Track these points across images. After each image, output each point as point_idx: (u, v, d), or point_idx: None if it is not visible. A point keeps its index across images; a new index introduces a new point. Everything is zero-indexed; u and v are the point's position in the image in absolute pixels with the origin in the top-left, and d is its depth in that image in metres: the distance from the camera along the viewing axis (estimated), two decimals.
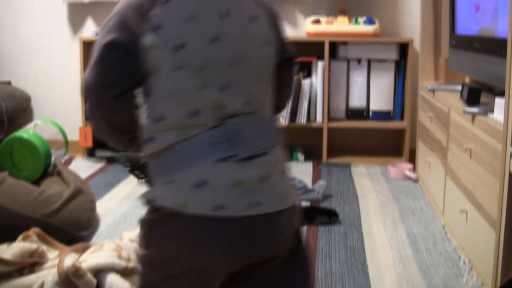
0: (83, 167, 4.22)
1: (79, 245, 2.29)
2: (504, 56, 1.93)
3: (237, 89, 1.30)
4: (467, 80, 3.38)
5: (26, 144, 3.20)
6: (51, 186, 3.03)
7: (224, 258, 1.28)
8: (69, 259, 2.07)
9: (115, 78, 1.31)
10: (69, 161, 4.33)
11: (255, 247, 1.29)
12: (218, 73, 1.29)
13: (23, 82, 4.80)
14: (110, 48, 1.31)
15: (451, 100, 2.91)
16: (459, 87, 2.82)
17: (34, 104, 4.85)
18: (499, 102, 2.20)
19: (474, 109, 2.46)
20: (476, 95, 2.62)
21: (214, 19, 1.29)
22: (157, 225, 1.32)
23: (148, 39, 1.26)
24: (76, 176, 3.24)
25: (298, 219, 1.39)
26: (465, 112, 2.53)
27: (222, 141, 1.27)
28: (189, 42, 1.27)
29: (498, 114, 2.21)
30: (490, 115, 2.32)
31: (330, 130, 4.32)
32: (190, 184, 1.25)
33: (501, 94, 1.96)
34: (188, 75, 1.26)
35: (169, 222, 1.28)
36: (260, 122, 1.34)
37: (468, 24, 3.06)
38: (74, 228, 2.79)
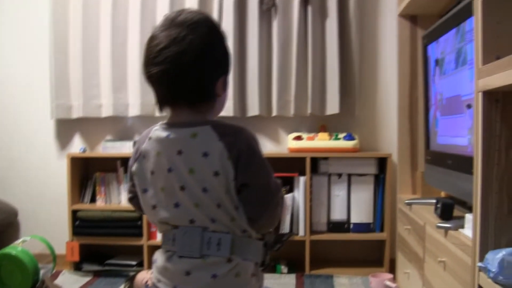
0: (70, 281, 4.25)
1: None
2: (473, 173, 2.04)
3: (183, 209, 1.70)
4: (442, 194, 3.49)
5: (14, 260, 3.22)
6: None
7: None
8: None
9: None
10: (56, 275, 4.33)
11: None
12: (171, 195, 1.70)
13: (11, 196, 4.87)
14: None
15: (426, 214, 3.02)
16: (434, 201, 2.92)
17: (21, 218, 4.90)
18: (469, 217, 2.31)
19: (447, 225, 2.57)
20: (449, 210, 2.73)
21: (170, 155, 1.69)
22: None
23: None
24: None
25: None
26: (438, 227, 2.64)
27: (171, 239, 1.75)
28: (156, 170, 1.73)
29: (468, 229, 2.32)
30: (461, 230, 2.43)
31: (312, 243, 4.40)
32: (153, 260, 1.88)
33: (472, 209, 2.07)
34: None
35: None
36: (198, 235, 1.70)
37: (442, 140, 3.20)
38: None
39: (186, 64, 1.63)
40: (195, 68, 1.65)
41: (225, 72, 1.78)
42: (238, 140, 1.68)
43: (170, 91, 1.68)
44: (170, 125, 1.72)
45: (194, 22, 1.67)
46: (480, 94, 1.92)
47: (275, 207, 1.78)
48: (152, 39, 1.69)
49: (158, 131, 1.73)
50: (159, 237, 4.44)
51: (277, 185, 1.79)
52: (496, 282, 1.76)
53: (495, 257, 1.75)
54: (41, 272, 3.39)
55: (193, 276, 1.69)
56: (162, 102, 1.73)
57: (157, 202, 1.73)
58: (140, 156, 1.75)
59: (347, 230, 4.43)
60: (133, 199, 1.92)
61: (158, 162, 1.71)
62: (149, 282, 3.23)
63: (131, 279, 3.90)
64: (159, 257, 1.81)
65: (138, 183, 1.78)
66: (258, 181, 1.72)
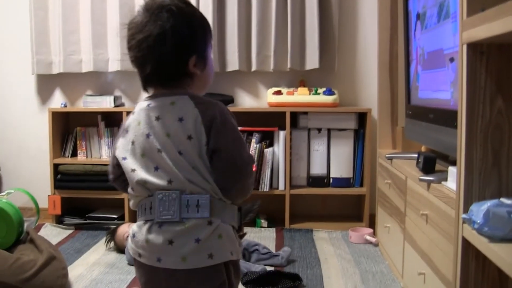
0: (52, 234, 4.29)
1: None
2: (456, 127, 2.04)
3: (162, 171, 1.73)
4: (423, 148, 3.50)
5: None
6: (24, 253, 3.07)
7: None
8: None
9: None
10: (38, 228, 4.34)
11: None
12: (150, 159, 1.75)
13: None
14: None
15: (407, 168, 3.03)
16: (416, 155, 2.93)
17: (3, 172, 4.90)
18: (452, 170, 2.32)
19: (429, 178, 2.59)
20: (431, 164, 2.74)
21: (149, 121, 1.77)
22: None
23: None
24: (49, 243, 3.29)
25: (197, 281, 1.74)
26: (421, 180, 2.66)
27: (147, 208, 1.75)
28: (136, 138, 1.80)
29: (451, 182, 2.33)
30: (444, 183, 2.44)
31: (292, 197, 4.43)
32: (130, 236, 1.84)
33: (455, 162, 2.07)
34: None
35: None
36: (176, 197, 1.72)
37: (423, 94, 3.21)
38: None
39: (148, 49, 1.75)
40: (157, 53, 1.75)
41: (195, 52, 1.81)
42: (212, 108, 1.78)
43: (143, 74, 1.80)
44: (152, 97, 1.83)
45: (157, 8, 1.77)
46: (464, 47, 1.91)
47: (246, 178, 1.82)
48: (128, 25, 1.82)
49: (141, 103, 1.84)
50: None
51: (250, 157, 1.83)
52: (481, 234, 1.77)
53: (480, 209, 1.76)
54: (25, 224, 3.39)
55: (176, 244, 1.70)
56: (143, 83, 1.84)
57: (137, 166, 1.77)
58: (124, 131, 1.84)
59: (327, 185, 4.46)
60: (116, 180, 1.95)
61: (137, 130, 1.79)
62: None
63: (112, 232, 3.93)
64: (137, 231, 1.79)
65: (119, 154, 1.83)
66: (229, 148, 1.77)
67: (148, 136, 1.76)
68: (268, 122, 4.45)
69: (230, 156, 1.76)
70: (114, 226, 4.03)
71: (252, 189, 1.86)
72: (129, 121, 1.84)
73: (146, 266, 1.76)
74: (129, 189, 1.82)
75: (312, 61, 4.43)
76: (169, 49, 1.76)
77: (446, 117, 2.62)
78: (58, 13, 4.57)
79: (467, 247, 1.92)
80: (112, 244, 3.91)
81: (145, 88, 1.85)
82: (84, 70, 4.66)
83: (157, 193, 1.72)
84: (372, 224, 4.29)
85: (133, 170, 1.77)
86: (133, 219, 4.38)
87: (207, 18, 1.90)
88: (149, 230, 1.74)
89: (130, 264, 3.57)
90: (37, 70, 4.67)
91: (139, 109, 1.82)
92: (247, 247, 3.58)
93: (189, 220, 1.71)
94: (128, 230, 3.83)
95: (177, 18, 1.77)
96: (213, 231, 1.72)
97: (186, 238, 1.70)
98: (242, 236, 1.89)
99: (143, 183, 1.74)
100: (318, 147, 4.42)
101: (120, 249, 3.82)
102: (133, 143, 1.79)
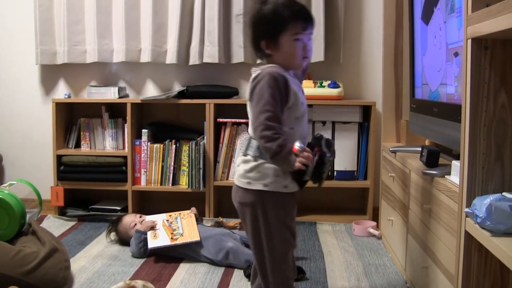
0: (55, 226, 4.29)
1: None
2: (460, 121, 2.05)
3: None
4: (427, 142, 3.50)
5: (1, 203, 3.21)
6: (26, 245, 3.06)
7: None
8: None
9: None
10: (40, 220, 4.35)
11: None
12: None
13: None
14: None
15: (411, 162, 3.04)
16: (420, 149, 2.94)
17: (6, 163, 4.91)
18: (456, 164, 2.33)
19: (433, 171, 2.59)
20: (435, 157, 2.74)
21: None
22: None
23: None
24: (51, 235, 3.29)
25: (239, 195, 2.43)
26: (424, 174, 2.66)
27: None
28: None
29: (454, 176, 2.34)
30: (447, 177, 2.45)
31: None
32: None
33: (458, 156, 2.08)
34: None
35: None
36: (246, 139, 2.41)
37: (428, 88, 3.20)
38: (50, 287, 2.86)
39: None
40: (247, 33, 2.48)
41: (265, 36, 2.36)
42: (258, 75, 2.32)
43: None
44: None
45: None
46: (469, 41, 1.92)
47: (259, 137, 2.24)
48: None
49: None
50: (143, 182, 4.54)
51: (261, 123, 2.23)
52: (483, 227, 1.78)
53: (482, 203, 1.77)
54: (27, 216, 3.39)
55: (238, 169, 2.42)
56: None
57: None
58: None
59: (331, 178, 4.46)
60: None
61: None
62: (137, 227, 3.33)
63: (115, 222, 3.92)
64: None
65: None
66: (254, 105, 2.30)
67: None
68: None
69: (253, 112, 2.31)
70: (117, 216, 4.03)
71: (270, 152, 2.22)
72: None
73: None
74: None
75: (317, 53, 4.41)
76: (249, 33, 2.46)
77: (451, 111, 2.62)
78: (63, 3, 4.57)
79: (470, 241, 1.93)
80: (113, 235, 3.91)
81: None
82: (88, 61, 4.66)
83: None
84: (375, 217, 4.29)
85: None
86: (136, 211, 4.38)
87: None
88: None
89: (134, 256, 3.58)
90: (41, 60, 4.67)
91: None
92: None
93: (246, 156, 2.37)
94: (135, 219, 3.84)
95: (259, 9, 2.39)
96: (255, 166, 2.34)
97: (241, 166, 2.39)
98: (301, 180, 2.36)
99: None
100: None
101: (123, 240, 3.82)
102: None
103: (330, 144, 2.33)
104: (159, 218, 3.82)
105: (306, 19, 2.35)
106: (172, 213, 3.88)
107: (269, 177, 2.32)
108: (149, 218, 3.83)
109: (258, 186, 2.33)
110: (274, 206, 2.36)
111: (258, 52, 2.44)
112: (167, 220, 3.78)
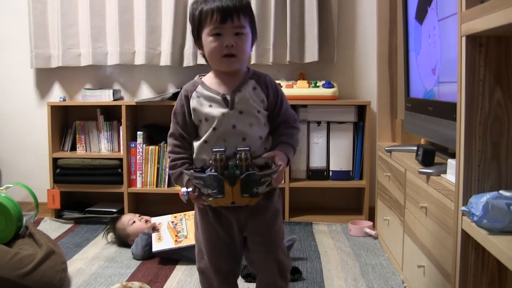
0: (51, 228, 4.29)
1: None
2: (455, 119, 2.05)
3: None
4: (422, 141, 3.50)
5: None
6: (23, 248, 3.06)
7: None
8: None
9: None
10: (37, 223, 4.34)
11: None
12: None
13: None
14: None
15: (407, 161, 3.03)
16: (415, 148, 2.93)
17: (2, 166, 4.90)
18: (452, 163, 2.32)
19: (429, 170, 2.58)
20: (430, 156, 2.74)
21: None
22: None
23: None
24: (48, 238, 3.29)
25: None
26: (420, 173, 2.66)
27: None
28: None
29: (450, 174, 2.33)
30: (443, 176, 2.44)
31: (292, 190, 4.42)
32: None
33: (454, 155, 2.07)
34: None
35: None
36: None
37: (423, 87, 3.20)
38: None
39: None
40: None
41: (194, 38, 2.21)
42: None
43: None
44: None
45: None
46: (463, 39, 1.92)
47: None
48: None
49: None
50: (139, 184, 4.53)
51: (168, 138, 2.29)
52: (480, 226, 1.77)
53: (479, 201, 1.76)
54: (24, 219, 3.38)
55: None
56: None
57: None
58: None
59: (326, 178, 4.46)
60: None
61: None
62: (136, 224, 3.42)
63: (113, 222, 3.91)
64: None
65: None
66: None
67: None
68: None
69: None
70: (114, 216, 4.02)
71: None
72: None
73: None
74: None
75: (311, 54, 4.42)
76: None
77: (446, 110, 2.62)
78: (57, 6, 4.56)
79: (467, 240, 1.92)
80: (111, 236, 3.90)
81: None
82: (83, 64, 4.65)
83: None
84: (371, 217, 4.29)
85: None
86: (132, 213, 4.37)
87: None
88: None
89: (135, 258, 3.57)
90: (36, 64, 4.66)
91: None
92: None
93: None
94: (133, 217, 3.83)
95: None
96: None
97: None
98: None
99: None
100: (318, 140, 4.42)
101: (121, 240, 3.81)
102: None
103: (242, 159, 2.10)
104: (164, 220, 3.81)
105: (225, 11, 2.06)
106: (177, 214, 3.87)
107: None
108: (154, 220, 3.82)
109: None
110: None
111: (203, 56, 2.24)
112: (172, 222, 3.77)
